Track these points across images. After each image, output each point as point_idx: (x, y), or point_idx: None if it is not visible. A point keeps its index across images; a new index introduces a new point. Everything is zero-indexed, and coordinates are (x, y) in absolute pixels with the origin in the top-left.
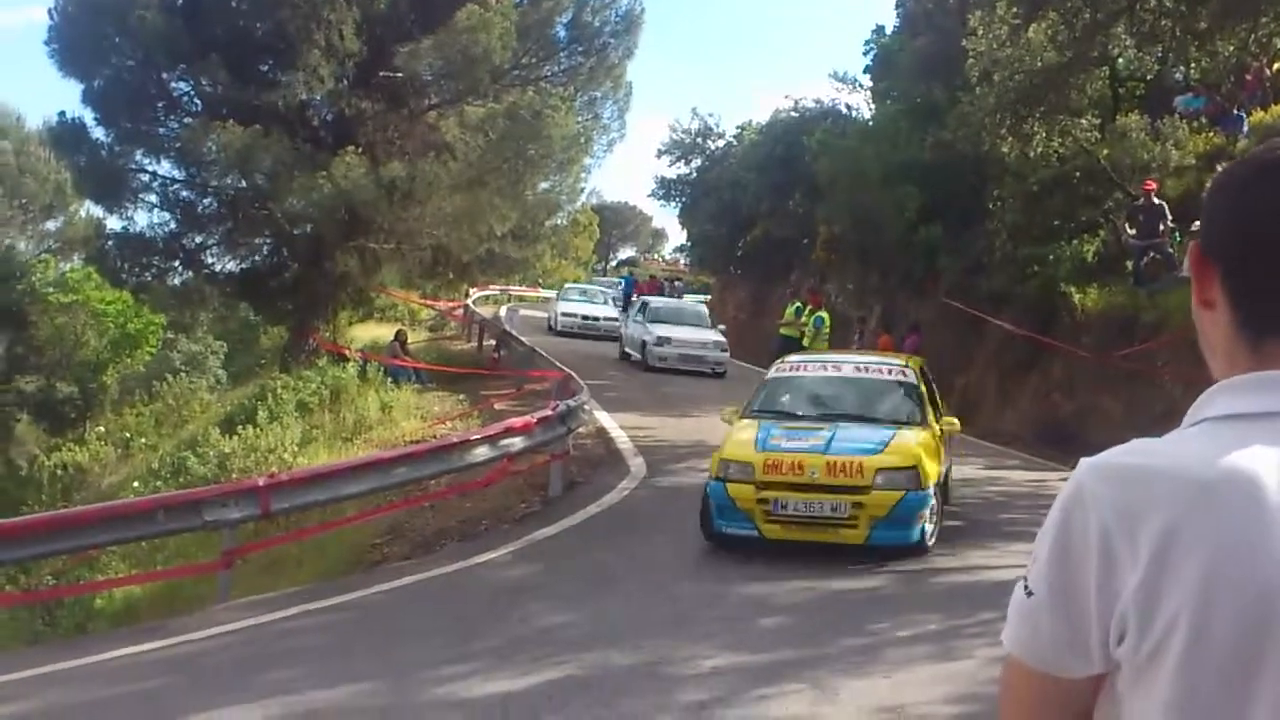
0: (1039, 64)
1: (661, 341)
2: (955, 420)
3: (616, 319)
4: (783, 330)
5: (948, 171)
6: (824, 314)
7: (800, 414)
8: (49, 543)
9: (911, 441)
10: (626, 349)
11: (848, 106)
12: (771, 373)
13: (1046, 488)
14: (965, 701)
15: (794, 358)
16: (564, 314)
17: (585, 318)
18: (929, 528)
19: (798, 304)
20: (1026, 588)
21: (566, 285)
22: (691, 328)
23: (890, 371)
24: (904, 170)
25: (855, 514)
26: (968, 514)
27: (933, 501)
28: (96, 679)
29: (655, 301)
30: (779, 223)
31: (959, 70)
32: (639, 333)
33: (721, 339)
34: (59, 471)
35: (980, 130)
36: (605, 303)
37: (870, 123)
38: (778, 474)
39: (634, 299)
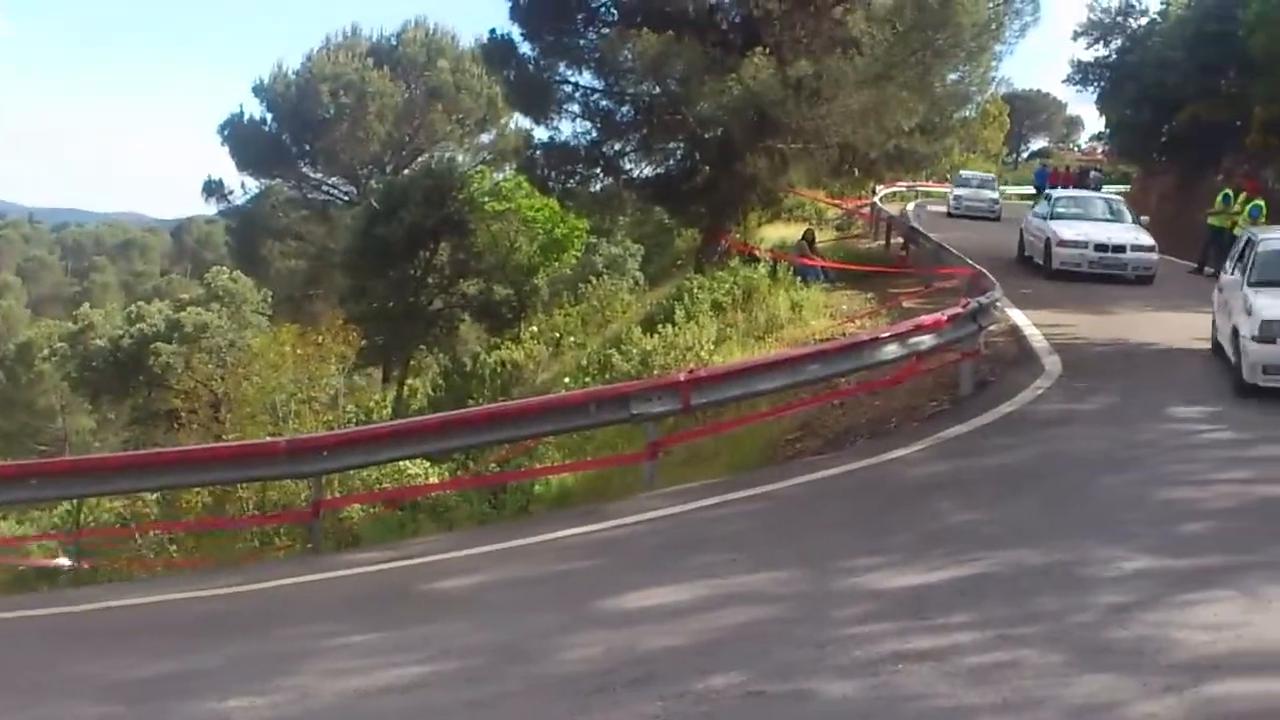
0: None
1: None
2: None
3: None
4: (1212, 220)
5: None
6: (1260, 201)
7: None
8: (494, 431)
9: None
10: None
11: None
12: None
13: None
14: None
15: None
16: (955, 198)
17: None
18: None
19: (1227, 191)
20: None
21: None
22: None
23: None
24: None
25: None
26: None
27: None
28: (540, 556)
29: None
30: (1209, 105)
31: None
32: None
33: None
34: (499, 368)
35: None
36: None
37: None
38: None
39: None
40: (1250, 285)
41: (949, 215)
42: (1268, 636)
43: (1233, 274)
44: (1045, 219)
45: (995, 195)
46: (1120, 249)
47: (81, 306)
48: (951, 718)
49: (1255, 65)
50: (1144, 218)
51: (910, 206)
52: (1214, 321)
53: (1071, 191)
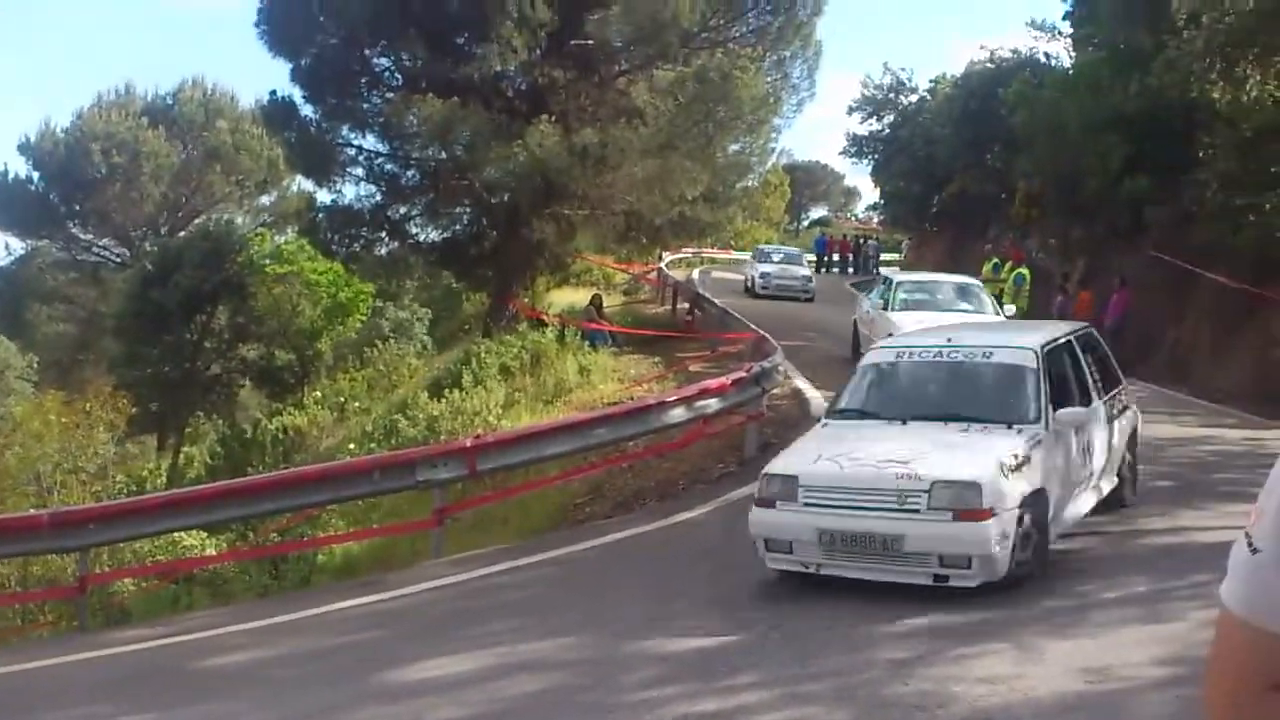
0: (1250, 4)
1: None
2: None
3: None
4: None
5: (1153, 120)
6: (1025, 270)
7: None
8: (273, 500)
9: None
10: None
11: (1046, 55)
12: None
13: (1265, 446)
14: (1175, 664)
15: None
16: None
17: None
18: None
19: (995, 260)
20: (1251, 544)
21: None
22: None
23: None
24: (1107, 120)
25: None
26: (1179, 474)
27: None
28: (321, 629)
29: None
30: (975, 178)
31: (1165, 13)
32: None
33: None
34: (280, 434)
35: (1189, 76)
36: (804, 264)
37: (1070, 72)
38: None
39: (830, 258)
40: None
41: (751, 294)
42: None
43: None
44: (885, 309)
45: (807, 272)
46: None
47: None
48: None
49: (1016, 142)
50: (1009, 307)
51: (695, 273)
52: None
53: (915, 275)
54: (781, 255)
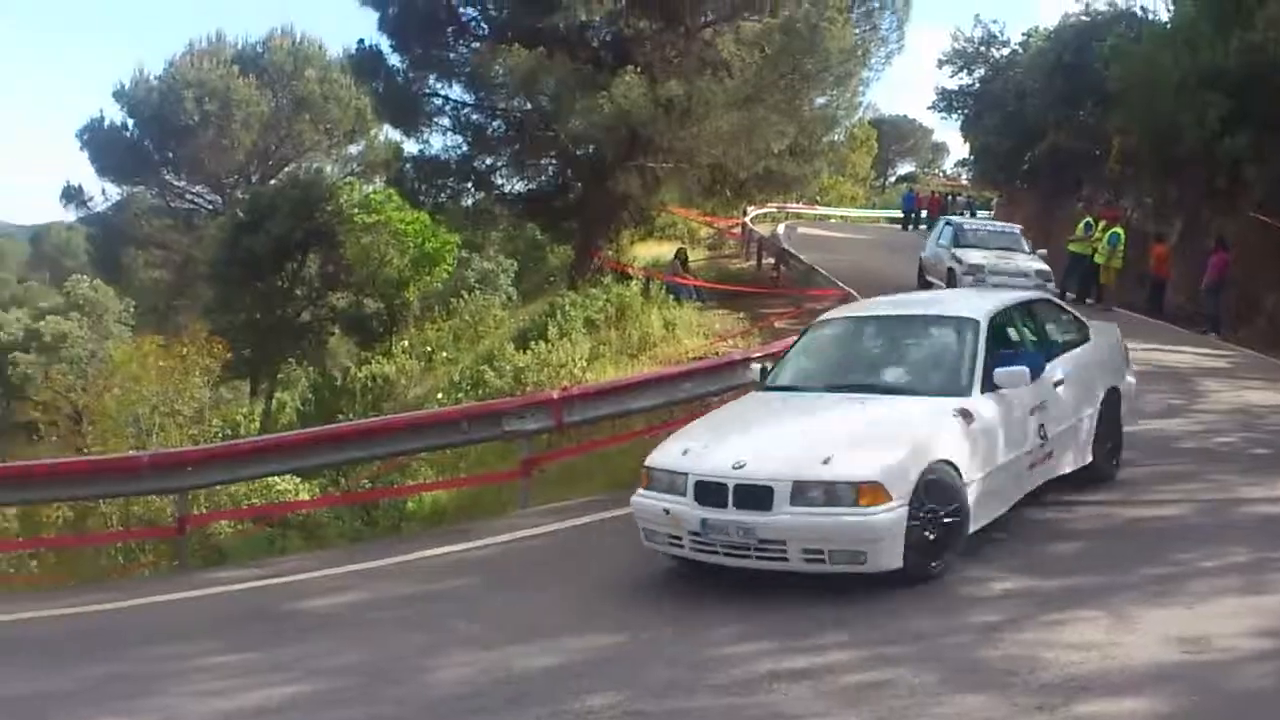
0: None
1: (973, 270)
2: None
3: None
4: (1072, 248)
5: (1255, 77)
6: (1119, 230)
7: None
8: (365, 448)
9: None
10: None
11: (1142, 9)
12: None
13: None
14: (1275, 636)
15: None
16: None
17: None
18: None
19: (1088, 219)
20: None
21: (950, 221)
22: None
23: None
24: (1206, 76)
25: None
26: (1278, 442)
27: None
28: (412, 575)
29: (962, 223)
30: (1068, 134)
31: None
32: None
33: (1044, 267)
34: (369, 383)
35: None
36: (1026, 246)
37: (1168, 25)
38: None
39: (918, 214)
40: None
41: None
42: (1135, 657)
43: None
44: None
45: (1041, 265)
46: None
47: None
48: None
49: (1111, 97)
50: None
51: (781, 228)
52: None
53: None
54: (991, 233)
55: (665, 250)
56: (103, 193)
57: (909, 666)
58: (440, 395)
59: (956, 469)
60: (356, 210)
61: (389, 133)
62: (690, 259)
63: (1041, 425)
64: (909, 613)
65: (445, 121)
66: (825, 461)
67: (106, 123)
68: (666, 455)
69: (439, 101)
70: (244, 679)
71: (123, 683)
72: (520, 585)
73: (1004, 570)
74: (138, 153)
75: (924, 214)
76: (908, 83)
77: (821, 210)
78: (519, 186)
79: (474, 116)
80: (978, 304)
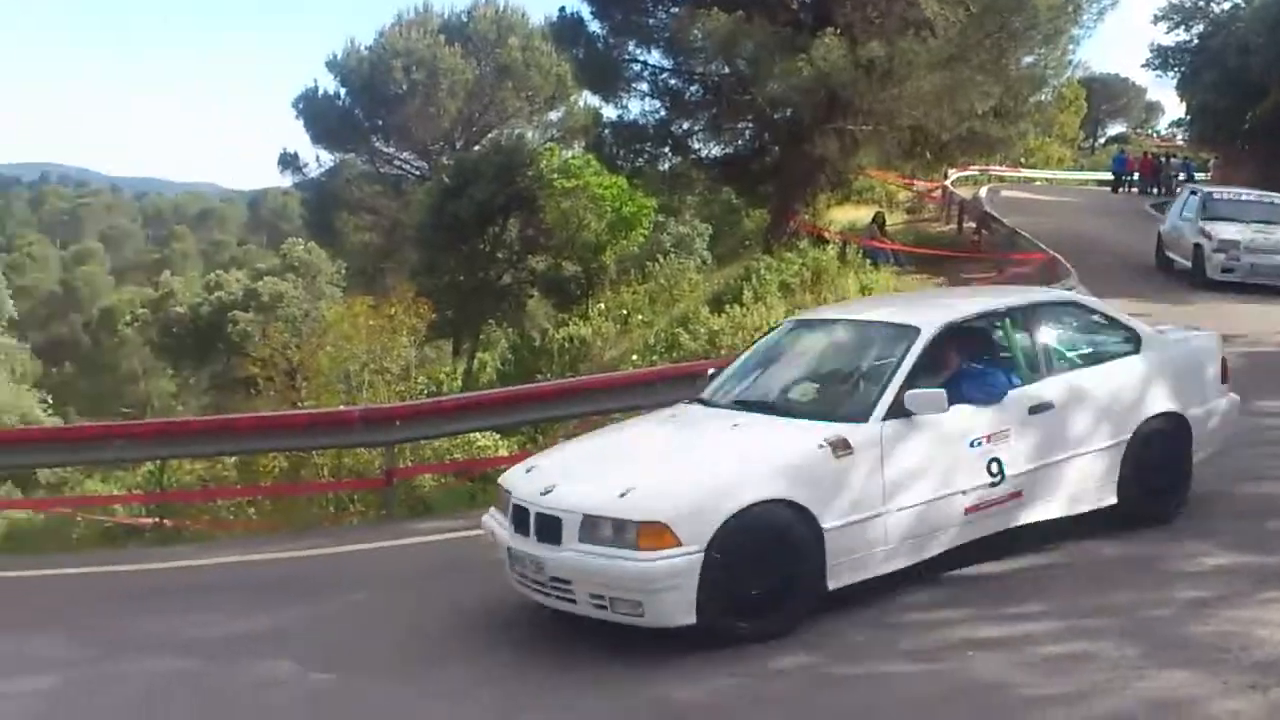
0: None
1: (1225, 246)
2: None
3: None
4: None
5: None
6: None
7: None
8: (563, 406)
9: None
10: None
11: None
12: None
13: None
14: None
15: None
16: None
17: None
18: None
19: None
20: None
21: (1195, 190)
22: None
23: None
24: None
25: None
26: None
27: None
28: None
29: (1211, 191)
30: None
31: None
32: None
33: None
34: (566, 344)
35: None
36: None
37: None
38: None
39: (1130, 176)
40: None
41: (1200, 279)
42: None
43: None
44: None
45: None
46: None
47: (162, 274)
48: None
49: None
50: None
51: (983, 190)
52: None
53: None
54: (1247, 202)
55: (862, 214)
56: (316, 159)
57: (1111, 639)
58: (635, 357)
59: (803, 510)
60: (556, 175)
61: (588, 99)
62: (888, 223)
63: (996, 460)
64: (1113, 585)
65: (643, 87)
66: (623, 494)
67: (320, 92)
68: (513, 471)
69: (637, 67)
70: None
71: (333, 622)
72: None
73: (1218, 545)
74: (349, 120)
75: (1135, 176)
76: (1120, 40)
77: (1027, 173)
78: (715, 150)
79: (672, 81)
80: (946, 309)
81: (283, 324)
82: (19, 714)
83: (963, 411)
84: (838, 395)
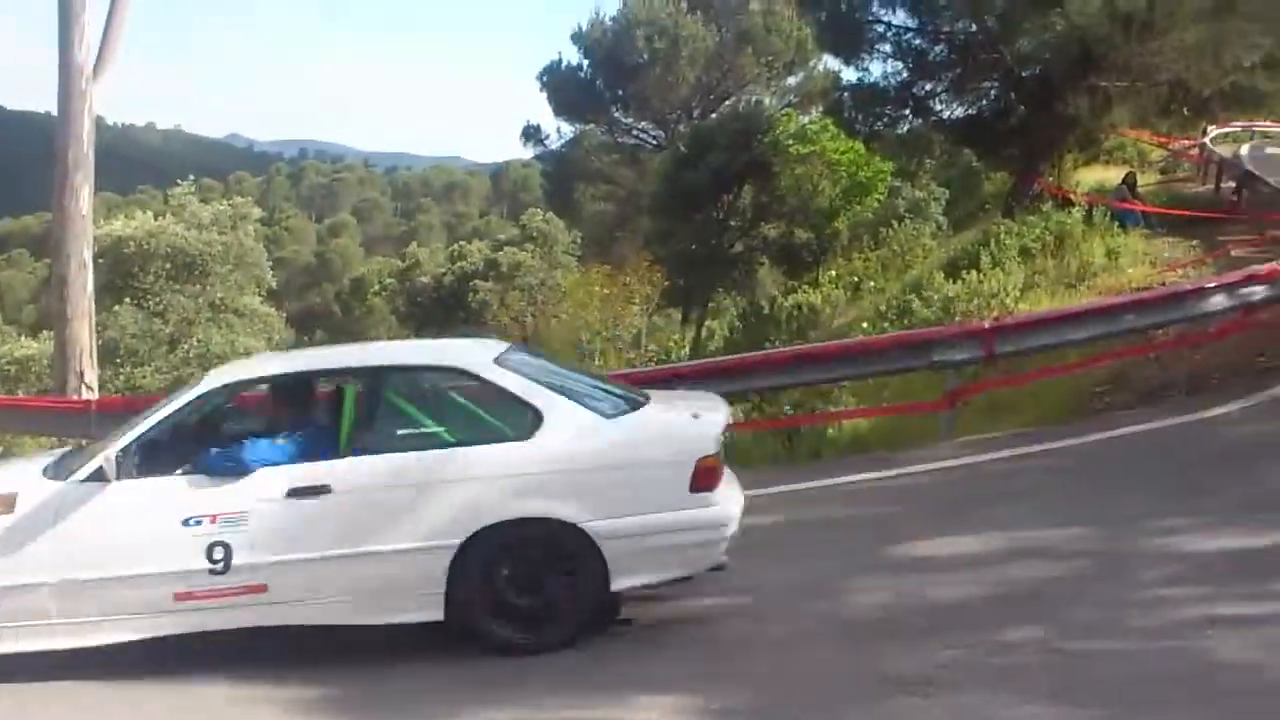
0: None
1: None
2: None
3: None
4: None
5: None
6: None
7: None
8: (792, 374)
9: None
10: None
11: None
12: None
13: None
14: None
15: None
16: None
17: None
18: None
19: None
20: None
21: None
22: None
23: None
24: None
25: None
26: None
27: None
28: (832, 499)
29: None
30: None
31: None
32: None
33: None
34: (795, 311)
35: None
36: None
37: None
38: None
39: None
40: None
41: None
42: None
43: None
44: None
45: None
46: None
47: (409, 245)
48: (1266, 690)
49: None
50: None
51: (1244, 149)
52: None
53: None
54: None
55: (1111, 175)
56: (558, 131)
57: None
58: (865, 324)
59: None
60: (791, 141)
61: (828, 62)
62: (1140, 184)
63: (221, 544)
64: None
65: (886, 48)
66: None
67: (564, 64)
68: None
69: (881, 28)
70: (669, 589)
71: None
72: (940, 516)
73: None
74: (590, 92)
75: None
76: None
77: None
78: (958, 112)
79: (916, 41)
80: (258, 364)
81: (520, 293)
82: None
83: (179, 484)
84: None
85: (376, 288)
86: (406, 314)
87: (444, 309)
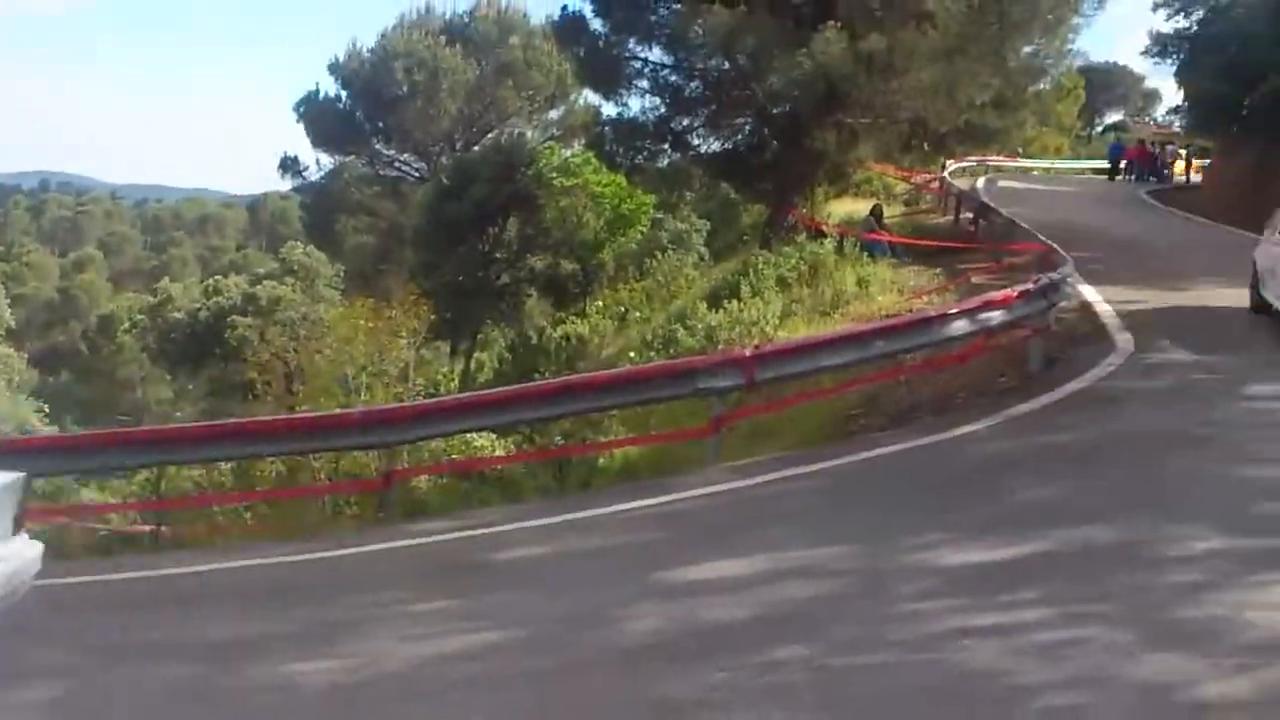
0: None
1: None
2: None
3: None
4: None
5: None
6: None
7: None
8: (564, 404)
9: None
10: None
11: None
12: None
13: None
14: None
15: None
16: None
17: None
18: None
19: None
20: None
21: None
22: None
23: None
24: None
25: None
26: None
27: None
28: (603, 528)
29: None
30: None
31: None
32: None
33: None
34: (564, 342)
35: None
36: None
37: None
38: None
39: (1130, 163)
40: None
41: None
42: None
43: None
44: None
45: None
46: None
47: (161, 280)
48: (1017, 695)
49: None
50: None
51: (980, 181)
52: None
53: None
54: None
55: (860, 207)
56: (316, 163)
57: (1103, 625)
58: (632, 354)
59: None
60: (555, 174)
61: (588, 97)
62: (885, 215)
63: None
64: (1104, 571)
65: (644, 83)
66: None
67: (321, 95)
68: None
69: (638, 64)
70: (445, 625)
71: (332, 626)
72: (709, 540)
73: (1205, 530)
74: (349, 123)
75: (1128, 163)
76: (1120, 28)
77: (1024, 163)
78: (714, 146)
79: (672, 78)
80: None
81: (281, 328)
82: None
83: None
84: None
85: (126, 325)
86: (159, 351)
87: (200, 346)
